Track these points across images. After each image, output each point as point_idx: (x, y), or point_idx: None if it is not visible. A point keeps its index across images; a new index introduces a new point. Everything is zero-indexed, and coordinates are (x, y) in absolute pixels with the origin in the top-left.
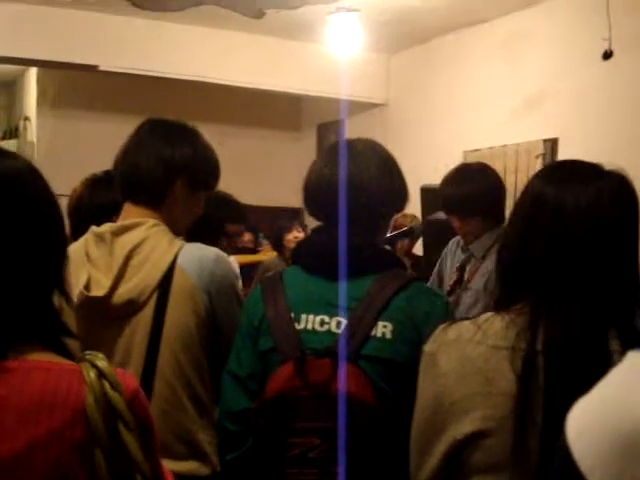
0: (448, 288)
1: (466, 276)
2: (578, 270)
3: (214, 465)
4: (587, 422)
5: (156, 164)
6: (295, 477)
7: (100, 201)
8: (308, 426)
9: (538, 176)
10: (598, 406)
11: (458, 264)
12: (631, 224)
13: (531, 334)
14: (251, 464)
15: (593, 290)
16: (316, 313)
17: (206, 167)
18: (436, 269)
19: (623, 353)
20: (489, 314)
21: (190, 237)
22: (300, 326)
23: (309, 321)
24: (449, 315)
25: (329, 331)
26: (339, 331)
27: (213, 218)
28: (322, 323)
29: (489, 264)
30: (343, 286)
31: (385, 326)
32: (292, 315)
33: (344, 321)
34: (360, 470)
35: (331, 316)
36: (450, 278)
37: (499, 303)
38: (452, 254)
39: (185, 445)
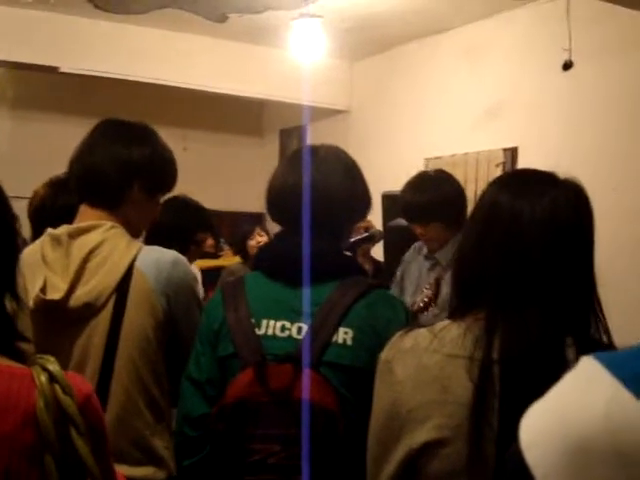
0: (421, 304)
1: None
2: (534, 278)
3: (170, 470)
4: (539, 429)
5: (112, 166)
6: None
7: (63, 203)
8: (268, 432)
9: (494, 184)
10: (550, 413)
11: (432, 279)
12: (586, 232)
13: (487, 342)
14: (209, 470)
15: (549, 298)
16: (277, 318)
17: (164, 169)
18: (397, 278)
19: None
20: (445, 322)
21: (158, 243)
22: (261, 331)
23: (270, 326)
24: (409, 322)
25: (290, 337)
26: (300, 337)
27: (185, 225)
28: (283, 329)
29: None
30: (305, 292)
31: (346, 332)
32: (253, 320)
33: (305, 327)
34: (320, 477)
35: (292, 322)
36: (418, 289)
37: (455, 311)
38: (414, 260)
39: (141, 451)
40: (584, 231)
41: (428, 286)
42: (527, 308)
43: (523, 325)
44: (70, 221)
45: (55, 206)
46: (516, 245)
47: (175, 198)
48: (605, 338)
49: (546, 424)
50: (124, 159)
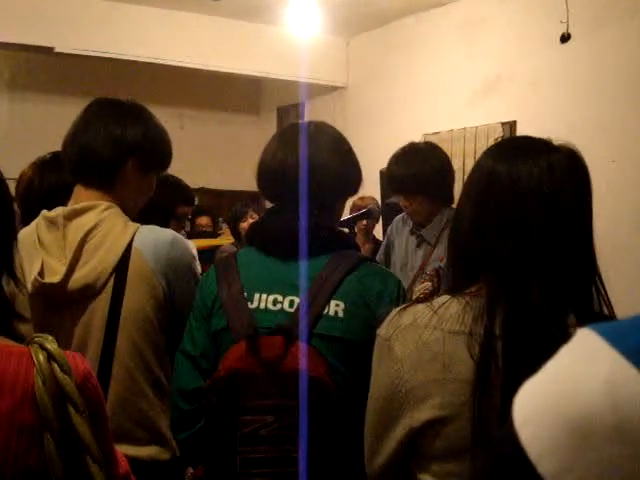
0: (421, 296)
1: (420, 260)
2: (534, 248)
3: (174, 450)
4: (535, 406)
5: (106, 144)
6: (246, 455)
7: (50, 183)
8: (260, 404)
9: (489, 153)
10: (546, 389)
11: (419, 257)
12: (584, 198)
13: (488, 318)
14: (203, 443)
15: (550, 270)
16: (269, 292)
17: (158, 147)
18: (382, 248)
19: None
20: (445, 297)
21: (139, 220)
22: (253, 305)
23: (262, 300)
24: (401, 295)
25: (282, 310)
26: (292, 310)
27: (164, 201)
28: (275, 302)
29: (441, 249)
30: (296, 266)
31: (337, 305)
32: (245, 294)
33: (297, 300)
34: (314, 447)
35: (284, 295)
36: (405, 268)
37: (454, 286)
38: (399, 234)
39: (145, 430)
40: (581, 195)
41: (427, 276)
42: (528, 281)
43: (525, 299)
44: (58, 201)
45: (42, 187)
46: (515, 214)
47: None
48: (606, 310)
49: (541, 401)
50: (118, 138)
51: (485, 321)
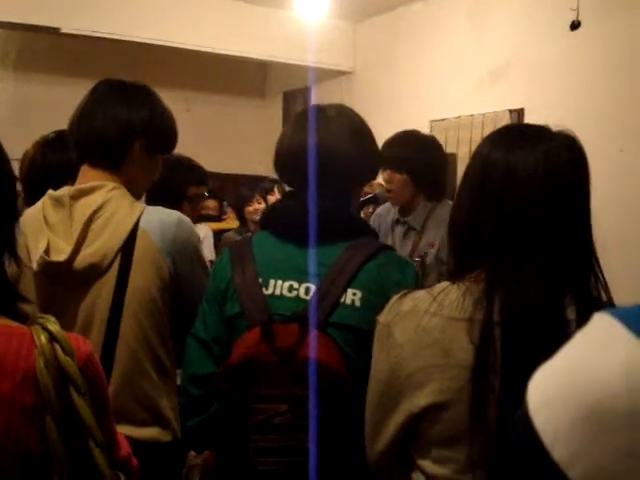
0: None
1: (409, 248)
2: (531, 234)
3: (175, 432)
4: (550, 392)
5: (113, 126)
6: (258, 443)
7: (54, 163)
8: (274, 392)
9: (487, 141)
10: (561, 374)
11: (409, 246)
12: (581, 183)
13: (488, 304)
14: (213, 430)
15: (548, 255)
16: (285, 279)
17: (165, 129)
18: None
19: (579, 321)
20: (445, 284)
21: (152, 201)
22: (268, 291)
23: (277, 286)
24: (419, 285)
25: (297, 297)
26: (308, 297)
27: (176, 182)
28: (290, 289)
29: (430, 235)
30: (313, 252)
31: (354, 294)
32: (260, 280)
33: (313, 287)
34: (326, 437)
35: (300, 282)
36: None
37: (454, 272)
38: (384, 222)
39: (147, 411)
40: (579, 182)
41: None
42: (526, 267)
43: (523, 285)
44: (61, 180)
45: (45, 166)
46: (512, 200)
47: (168, 157)
48: (604, 295)
49: (557, 385)
50: (124, 119)
51: (484, 307)
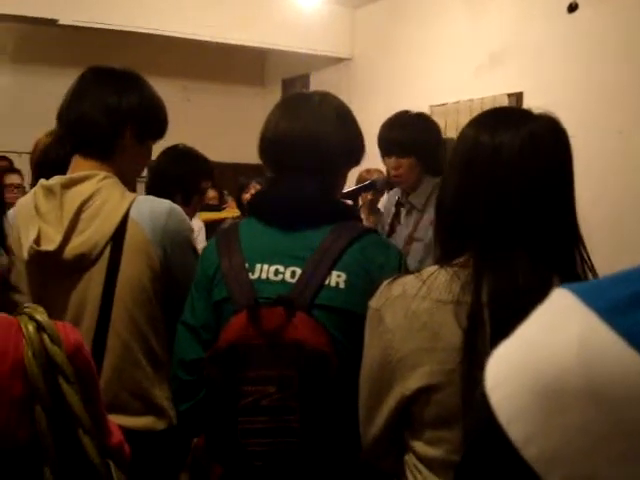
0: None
1: (410, 228)
2: (518, 215)
3: (171, 420)
4: (504, 369)
5: (102, 114)
6: (247, 425)
7: (66, 153)
8: (261, 374)
9: (471, 124)
10: (516, 350)
11: (411, 224)
12: (565, 164)
13: (475, 286)
14: (204, 414)
15: (534, 237)
16: (270, 263)
17: (154, 114)
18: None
19: None
20: (433, 268)
21: (162, 194)
22: (254, 276)
23: (263, 271)
24: (402, 268)
25: (283, 281)
26: (293, 281)
27: (188, 175)
28: (276, 273)
29: (431, 213)
30: (298, 236)
31: (339, 276)
32: (247, 265)
33: (299, 271)
34: (313, 418)
35: (286, 266)
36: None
37: (442, 256)
38: (388, 209)
39: (140, 401)
40: (564, 162)
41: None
42: (513, 249)
43: (510, 267)
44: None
45: (58, 157)
46: (499, 183)
47: (175, 147)
48: (590, 275)
49: (512, 363)
50: (113, 106)
51: (472, 290)
